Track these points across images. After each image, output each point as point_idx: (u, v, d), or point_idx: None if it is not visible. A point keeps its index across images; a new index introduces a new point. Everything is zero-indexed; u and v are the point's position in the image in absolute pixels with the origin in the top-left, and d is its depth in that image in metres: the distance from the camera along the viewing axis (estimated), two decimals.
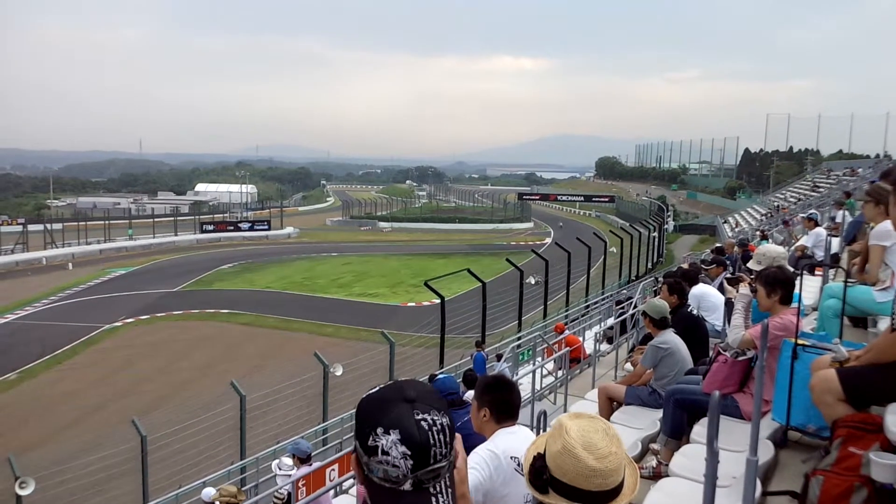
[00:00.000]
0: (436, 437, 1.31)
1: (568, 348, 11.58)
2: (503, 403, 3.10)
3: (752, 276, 5.13)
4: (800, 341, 3.80)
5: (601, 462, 1.65)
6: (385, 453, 1.27)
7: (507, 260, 24.68)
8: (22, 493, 12.01)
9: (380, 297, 41.03)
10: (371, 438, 1.29)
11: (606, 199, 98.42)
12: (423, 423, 1.30)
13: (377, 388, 1.40)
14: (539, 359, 14.44)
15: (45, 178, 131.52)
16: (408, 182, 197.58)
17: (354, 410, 1.40)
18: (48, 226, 59.70)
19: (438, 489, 1.33)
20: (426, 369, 17.26)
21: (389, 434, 1.28)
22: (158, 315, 36.06)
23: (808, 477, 3.08)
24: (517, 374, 12.04)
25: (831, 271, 7.01)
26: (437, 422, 1.33)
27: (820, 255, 9.22)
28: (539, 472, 1.71)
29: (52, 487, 13.22)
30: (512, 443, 2.95)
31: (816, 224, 12.03)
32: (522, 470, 2.82)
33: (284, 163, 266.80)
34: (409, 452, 1.28)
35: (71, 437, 18.51)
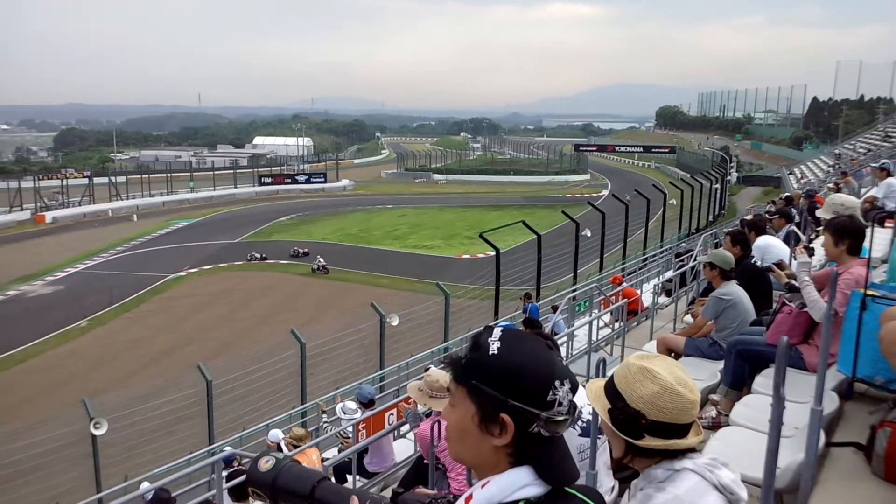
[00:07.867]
0: None
1: (626, 300, 11.48)
2: None
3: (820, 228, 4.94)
4: (869, 292, 3.69)
5: (694, 393, 1.72)
6: (560, 404, 1.25)
7: (563, 212, 24.40)
8: (96, 432, 12.57)
9: (435, 248, 41.33)
10: (551, 393, 1.24)
11: (667, 150, 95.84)
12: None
13: (503, 337, 1.29)
14: (596, 311, 14.36)
15: (109, 132, 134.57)
16: (462, 134, 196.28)
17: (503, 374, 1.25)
18: (113, 178, 61.26)
19: None
20: (481, 321, 17.38)
21: (564, 384, 1.26)
22: (221, 265, 37.12)
23: (874, 429, 3.04)
24: (573, 326, 12.01)
25: None
26: None
27: (891, 206, 8.90)
28: (636, 419, 1.70)
29: (124, 429, 13.76)
30: None
31: (889, 174, 11.56)
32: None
33: (339, 115, 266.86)
34: (571, 398, 1.27)
35: (140, 381, 19.24)
